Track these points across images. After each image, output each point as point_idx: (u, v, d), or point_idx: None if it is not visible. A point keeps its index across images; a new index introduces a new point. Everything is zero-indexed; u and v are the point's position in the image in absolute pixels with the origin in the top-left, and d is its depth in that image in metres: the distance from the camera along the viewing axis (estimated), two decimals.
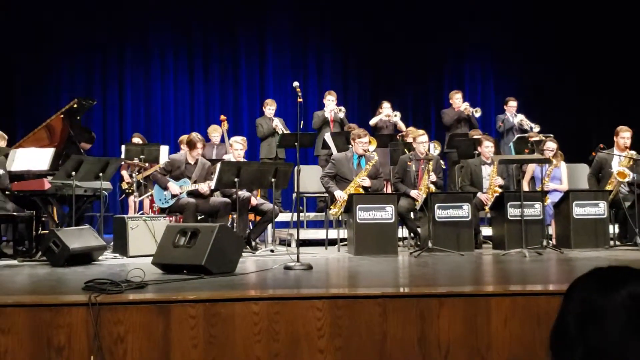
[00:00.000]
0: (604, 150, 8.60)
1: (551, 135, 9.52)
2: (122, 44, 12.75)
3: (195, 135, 8.37)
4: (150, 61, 12.83)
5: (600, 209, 8.08)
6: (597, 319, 1.46)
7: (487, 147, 8.51)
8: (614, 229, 8.44)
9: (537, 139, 9.36)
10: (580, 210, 8.05)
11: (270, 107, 10.60)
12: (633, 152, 8.42)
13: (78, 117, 8.67)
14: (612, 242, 8.20)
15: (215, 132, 10.40)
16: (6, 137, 8.18)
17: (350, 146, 8.95)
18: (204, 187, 8.00)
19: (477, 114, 10.68)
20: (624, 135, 8.50)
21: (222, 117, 10.69)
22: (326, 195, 8.89)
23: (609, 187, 8.35)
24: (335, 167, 8.28)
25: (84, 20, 12.28)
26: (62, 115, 8.43)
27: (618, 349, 1.43)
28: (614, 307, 1.45)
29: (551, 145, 8.74)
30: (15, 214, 7.43)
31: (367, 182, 8.13)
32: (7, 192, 7.45)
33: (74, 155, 7.60)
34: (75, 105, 8.47)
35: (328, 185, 8.21)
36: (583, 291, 1.52)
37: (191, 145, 8.21)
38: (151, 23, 12.77)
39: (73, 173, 7.16)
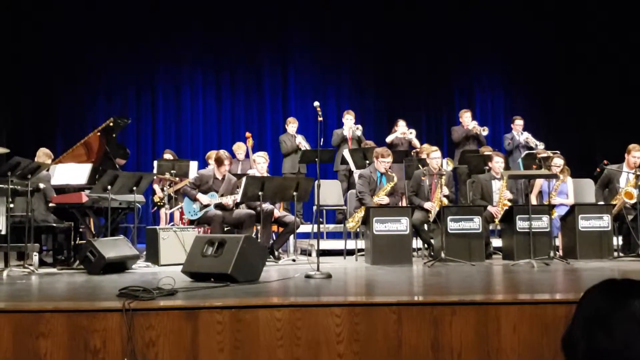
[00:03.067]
0: (608, 166, 8.52)
1: (558, 151, 9.45)
2: (154, 67, 12.87)
3: (222, 153, 8.39)
4: (180, 83, 12.94)
5: (604, 222, 8.00)
6: (604, 324, 1.45)
7: (497, 163, 8.48)
8: (617, 241, 8.36)
9: (544, 155, 9.30)
10: (586, 223, 7.97)
11: (292, 125, 10.63)
12: None
13: (114, 135, 8.76)
14: (616, 254, 8.11)
15: (240, 149, 10.42)
16: (52, 155, 8.27)
17: (367, 162, 8.97)
18: (229, 201, 8.03)
19: (485, 133, 10.64)
20: (636, 154, 8.30)
21: (248, 134, 10.72)
22: (344, 207, 8.90)
23: (615, 202, 8.27)
24: (368, 183, 8.25)
25: (119, 46, 12.43)
26: (99, 133, 8.52)
27: (622, 354, 1.42)
28: (623, 316, 1.45)
29: (558, 162, 8.69)
30: (55, 225, 7.50)
31: (385, 201, 8.13)
32: (49, 205, 7.53)
33: (109, 170, 7.66)
34: (111, 124, 8.56)
35: (367, 201, 8.13)
36: (595, 298, 1.52)
37: (219, 162, 8.24)
38: (182, 47, 12.87)
39: (109, 187, 7.21)
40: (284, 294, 5.20)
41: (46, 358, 3.92)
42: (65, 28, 12.21)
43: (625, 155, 8.45)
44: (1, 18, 11.56)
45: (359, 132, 10.46)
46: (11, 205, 6.73)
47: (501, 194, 8.24)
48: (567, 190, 8.81)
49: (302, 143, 10.38)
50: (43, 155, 8.12)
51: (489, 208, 8.17)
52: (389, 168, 8.31)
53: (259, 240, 7.82)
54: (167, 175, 9.30)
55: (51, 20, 12.14)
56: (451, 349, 4.07)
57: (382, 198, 8.13)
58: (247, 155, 10.40)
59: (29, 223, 6.76)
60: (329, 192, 9.37)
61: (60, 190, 7.72)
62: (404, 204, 8.69)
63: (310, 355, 4.02)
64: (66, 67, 12.27)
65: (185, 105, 12.93)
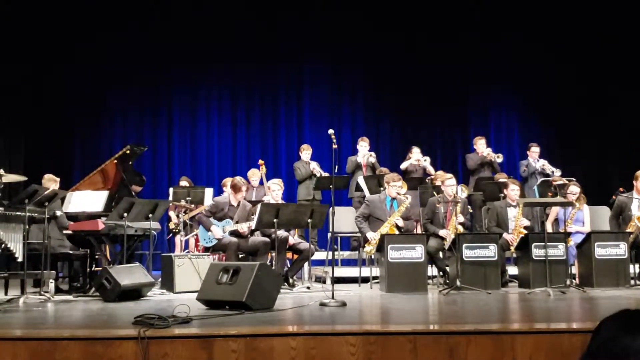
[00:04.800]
0: (624, 193, 8.50)
1: (574, 179, 9.43)
2: (170, 95, 13.00)
3: (239, 179, 8.43)
4: (196, 110, 13.06)
5: (620, 249, 7.95)
6: (620, 355, 1.44)
7: (513, 190, 8.47)
8: (634, 269, 8.30)
9: (560, 182, 9.26)
10: (602, 251, 7.93)
11: (306, 152, 10.69)
12: None
13: (130, 162, 8.84)
14: (632, 282, 8.05)
15: (254, 175, 10.49)
16: (57, 179, 8.32)
17: (382, 188, 8.98)
18: (244, 228, 8.06)
19: (499, 160, 10.64)
20: None
21: (261, 161, 10.78)
22: (359, 235, 8.89)
23: (629, 230, 8.23)
24: (369, 208, 8.30)
25: (136, 74, 12.57)
26: (115, 161, 8.61)
27: None
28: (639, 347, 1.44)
29: (574, 189, 8.67)
30: (71, 252, 7.55)
31: (400, 222, 8.13)
32: (64, 232, 7.58)
33: (126, 197, 7.70)
34: (127, 152, 8.65)
35: (361, 226, 8.23)
36: (611, 330, 1.50)
37: (236, 188, 8.28)
38: (197, 75, 13.01)
39: (125, 214, 7.26)
40: (299, 322, 5.19)
41: None
42: (85, 55, 12.36)
43: (634, 182, 8.48)
44: (24, 43, 11.72)
45: (372, 159, 10.49)
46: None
47: (517, 221, 8.21)
48: (583, 218, 8.77)
49: (317, 169, 10.43)
50: (48, 180, 8.16)
51: (505, 235, 8.15)
52: (400, 193, 8.30)
53: (273, 267, 7.82)
54: (183, 202, 9.36)
55: (74, 42, 12.29)
56: None
57: (397, 219, 8.13)
58: (260, 182, 10.46)
59: (45, 250, 6.82)
60: (344, 219, 9.38)
61: (73, 217, 7.79)
62: (419, 231, 8.68)
63: None
64: (84, 95, 12.41)
65: (200, 132, 13.04)
